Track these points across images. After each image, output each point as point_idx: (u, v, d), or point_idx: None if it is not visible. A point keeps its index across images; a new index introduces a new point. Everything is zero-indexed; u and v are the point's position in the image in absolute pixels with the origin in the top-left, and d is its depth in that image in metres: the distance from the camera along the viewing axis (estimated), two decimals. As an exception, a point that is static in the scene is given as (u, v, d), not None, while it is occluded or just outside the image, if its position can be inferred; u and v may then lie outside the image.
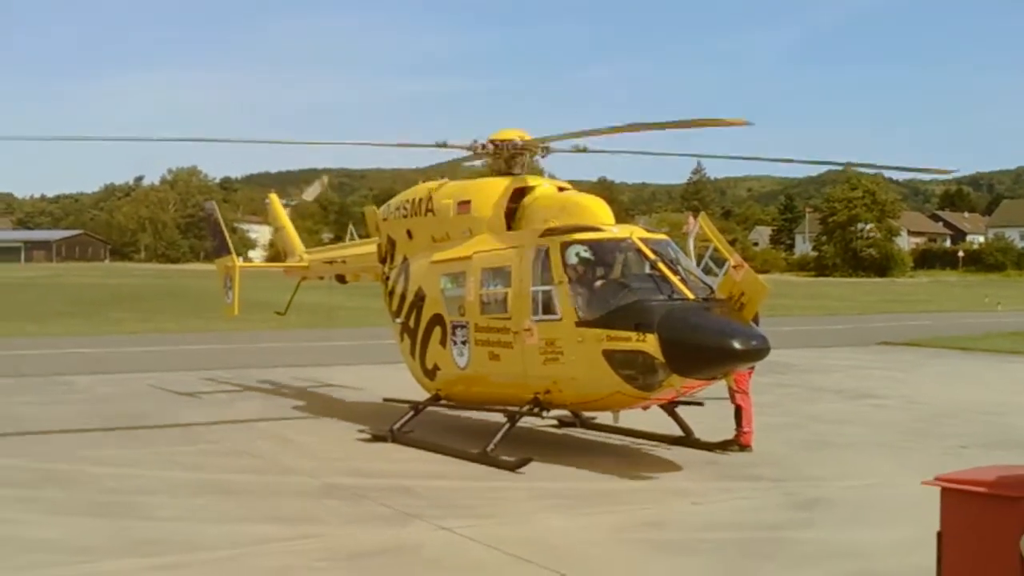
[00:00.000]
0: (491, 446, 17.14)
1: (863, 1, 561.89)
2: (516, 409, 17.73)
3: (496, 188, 19.20)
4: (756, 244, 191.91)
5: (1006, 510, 4.69)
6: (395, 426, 19.29)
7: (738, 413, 18.38)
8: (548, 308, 16.85)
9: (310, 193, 28.79)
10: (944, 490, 5.05)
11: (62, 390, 26.15)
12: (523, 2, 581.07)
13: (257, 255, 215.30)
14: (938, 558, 5.12)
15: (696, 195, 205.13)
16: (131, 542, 12.27)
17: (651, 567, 11.55)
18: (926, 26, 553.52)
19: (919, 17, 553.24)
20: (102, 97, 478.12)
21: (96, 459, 17.32)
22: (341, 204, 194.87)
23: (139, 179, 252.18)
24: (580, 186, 21.56)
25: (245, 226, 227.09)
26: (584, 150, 20.13)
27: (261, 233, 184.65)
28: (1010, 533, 4.59)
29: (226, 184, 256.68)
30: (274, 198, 28.54)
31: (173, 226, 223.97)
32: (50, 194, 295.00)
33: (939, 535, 5.10)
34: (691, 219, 20.14)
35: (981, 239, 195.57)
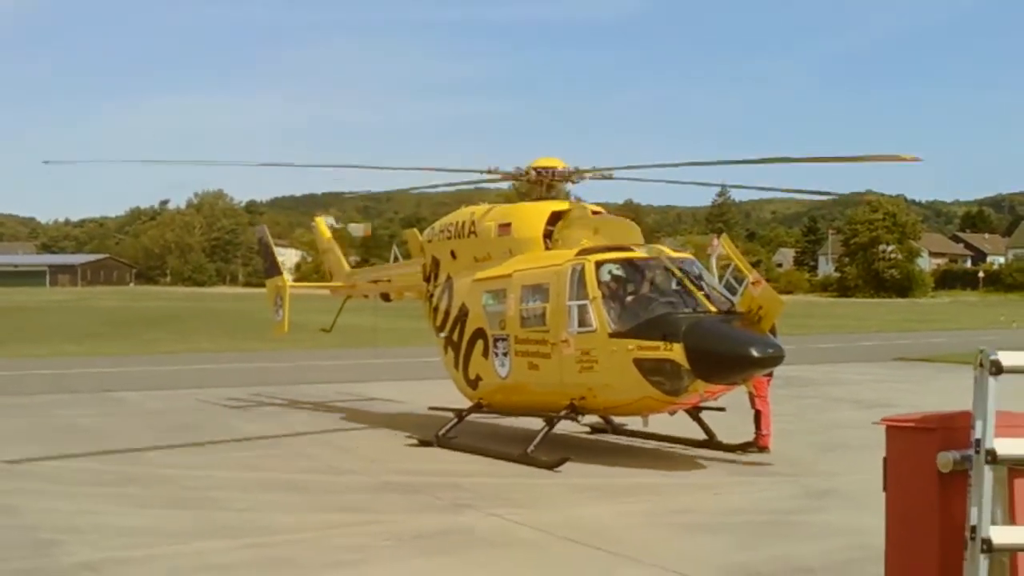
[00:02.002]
0: (531, 447, 18.56)
1: (883, 27, 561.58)
2: (554, 414, 19.17)
3: (535, 211, 20.71)
4: (780, 265, 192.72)
5: (926, 438, 6.37)
6: (440, 432, 20.66)
7: (757, 417, 19.71)
8: (583, 321, 18.25)
9: (355, 230, 30.45)
10: (888, 427, 6.75)
11: (115, 405, 27.41)
12: (546, 27, 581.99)
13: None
14: (884, 475, 6.82)
15: (721, 217, 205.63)
16: (215, 528, 13.77)
17: (679, 543, 13.00)
18: (946, 48, 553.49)
19: (939, 40, 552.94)
20: (128, 119, 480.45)
21: (166, 463, 18.79)
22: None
23: (164, 203, 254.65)
24: (608, 209, 23.07)
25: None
26: (610, 177, 21.73)
27: (287, 256, 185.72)
28: (929, 453, 6.29)
29: (252, 207, 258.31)
30: (320, 221, 29.87)
31: (199, 249, 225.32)
32: (75, 218, 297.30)
33: (884, 460, 6.79)
34: (715, 241, 21.60)
35: (1002, 260, 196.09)
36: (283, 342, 39.79)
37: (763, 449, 19.61)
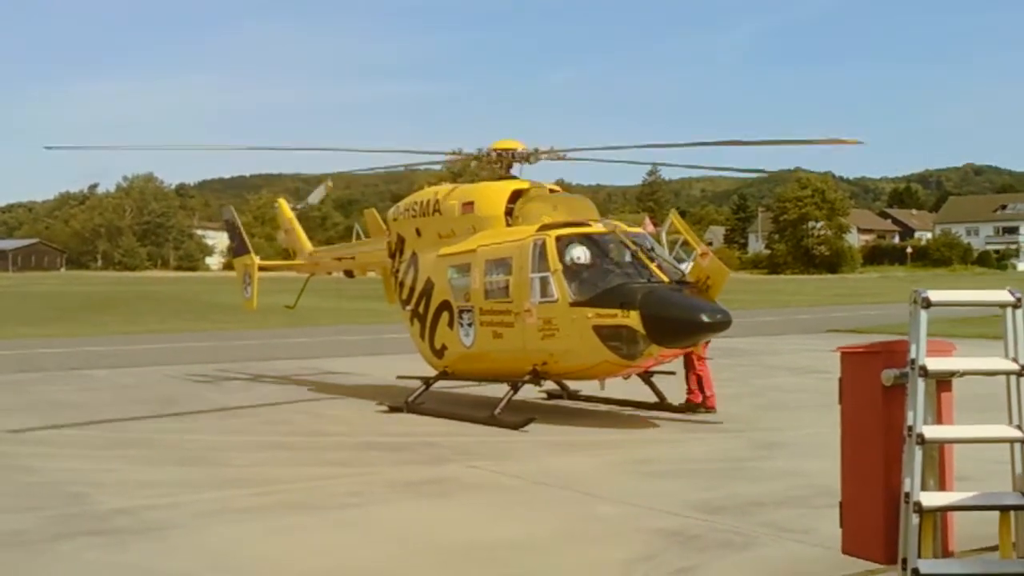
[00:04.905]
0: (498, 410, 20.03)
1: (814, 4, 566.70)
2: (517, 379, 20.58)
3: (496, 190, 22.07)
4: (711, 243, 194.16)
5: (872, 359, 8.10)
6: (410, 399, 22.01)
7: (699, 381, 21.23)
8: (545, 292, 19.70)
9: (315, 196, 30.67)
10: (842, 353, 8.47)
11: (88, 381, 28.17)
12: (481, 5, 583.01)
13: (214, 261, 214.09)
14: (839, 394, 8.54)
15: (651, 196, 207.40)
16: (225, 480, 15.17)
17: (645, 486, 14.58)
18: (874, 26, 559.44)
19: (867, 18, 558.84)
20: (57, 106, 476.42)
21: (159, 429, 20.06)
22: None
23: (94, 187, 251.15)
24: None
25: (201, 232, 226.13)
26: (563, 158, 23.22)
27: (218, 240, 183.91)
28: (875, 372, 8.00)
29: (181, 190, 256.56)
30: (282, 203, 31.02)
31: (130, 233, 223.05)
32: (2, 203, 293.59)
33: (839, 379, 8.49)
34: (647, 221, 23.07)
35: (929, 235, 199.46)
36: (236, 323, 40.83)
37: (710, 410, 21.10)
